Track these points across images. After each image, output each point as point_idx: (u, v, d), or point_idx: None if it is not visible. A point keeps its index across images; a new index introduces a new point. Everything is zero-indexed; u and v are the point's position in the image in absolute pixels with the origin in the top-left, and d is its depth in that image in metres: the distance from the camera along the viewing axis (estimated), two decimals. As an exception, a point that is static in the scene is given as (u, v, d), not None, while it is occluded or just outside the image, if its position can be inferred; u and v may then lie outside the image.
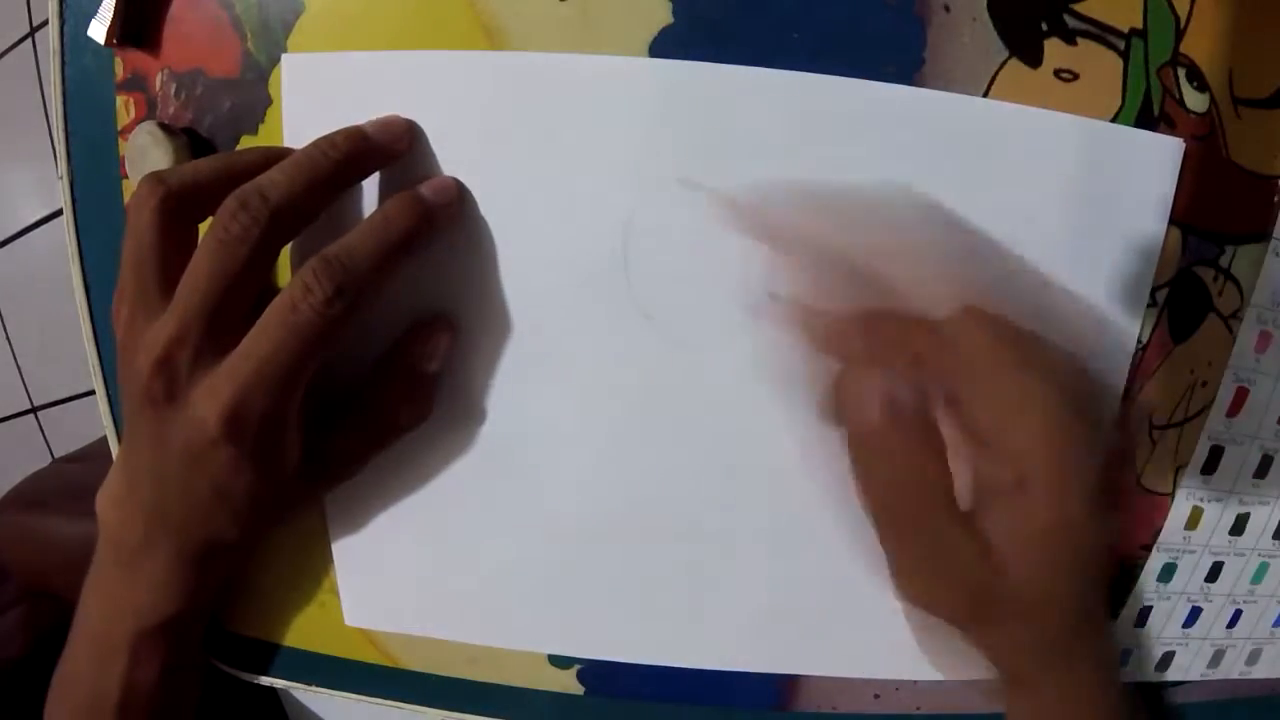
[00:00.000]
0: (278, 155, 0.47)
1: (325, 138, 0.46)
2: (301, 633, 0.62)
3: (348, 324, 0.44)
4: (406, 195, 0.46)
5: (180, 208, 0.44)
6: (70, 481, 1.00)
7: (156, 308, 0.43)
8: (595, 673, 0.60)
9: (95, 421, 0.59)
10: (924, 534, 0.42)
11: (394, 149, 0.48)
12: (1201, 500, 0.56)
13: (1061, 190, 0.49)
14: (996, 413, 0.40)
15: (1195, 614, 0.59)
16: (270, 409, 0.43)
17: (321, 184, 0.45)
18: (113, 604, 0.51)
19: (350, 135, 0.46)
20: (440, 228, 0.48)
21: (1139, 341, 0.52)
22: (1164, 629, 0.59)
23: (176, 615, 0.50)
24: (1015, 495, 0.40)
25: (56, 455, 1.21)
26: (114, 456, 0.51)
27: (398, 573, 0.59)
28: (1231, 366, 0.53)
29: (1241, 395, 0.54)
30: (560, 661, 0.60)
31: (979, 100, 0.48)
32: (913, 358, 0.42)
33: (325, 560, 0.59)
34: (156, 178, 0.44)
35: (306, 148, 0.46)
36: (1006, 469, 0.40)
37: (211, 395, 0.42)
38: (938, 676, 0.58)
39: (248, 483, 0.45)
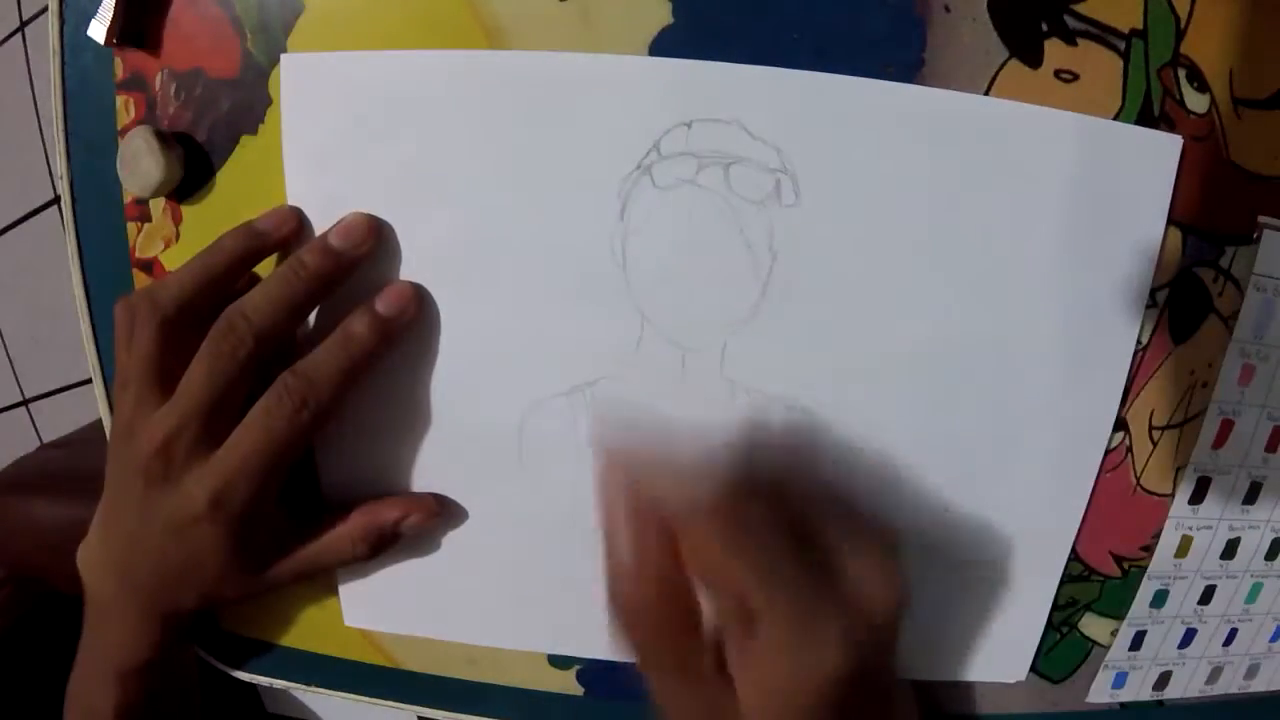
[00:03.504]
0: (245, 243, 0.52)
1: (295, 257, 0.51)
2: (301, 633, 0.62)
3: (321, 427, 0.51)
4: (366, 313, 0.51)
5: (175, 328, 0.50)
6: (52, 466, 1.01)
7: (158, 398, 0.50)
8: (595, 673, 0.60)
9: (85, 413, 0.60)
10: (675, 680, 0.43)
11: (358, 253, 0.51)
12: (1191, 529, 0.56)
13: (1061, 187, 0.49)
14: (722, 556, 0.40)
15: (1190, 635, 0.59)
16: (251, 495, 0.50)
17: (297, 304, 0.50)
18: (95, 645, 0.57)
19: (316, 250, 0.51)
20: (399, 340, 0.52)
21: (1139, 342, 0.52)
22: (1159, 651, 0.59)
23: (148, 662, 0.56)
24: (746, 640, 0.40)
25: (46, 445, 1.22)
26: (106, 438, 0.53)
27: (397, 573, 0.59)
28: (1216, 400, 0.54)
29: (1226, 427, 0.54)
30: (560, 662, 0.60)
31: (977, 97, 0.49)
32: (656, 492, 0.43)
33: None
34: (151, 301, 0.50)
35: (280, 269, 0.51)
36: (734, 614, 0.40)
37: (202, 480, 0.49)
38: (937, 676, 0.58)
39: (218, 558, 0.51)
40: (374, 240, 0.52)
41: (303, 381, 0.49)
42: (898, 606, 0.42)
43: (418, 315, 0.52)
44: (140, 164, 0.51)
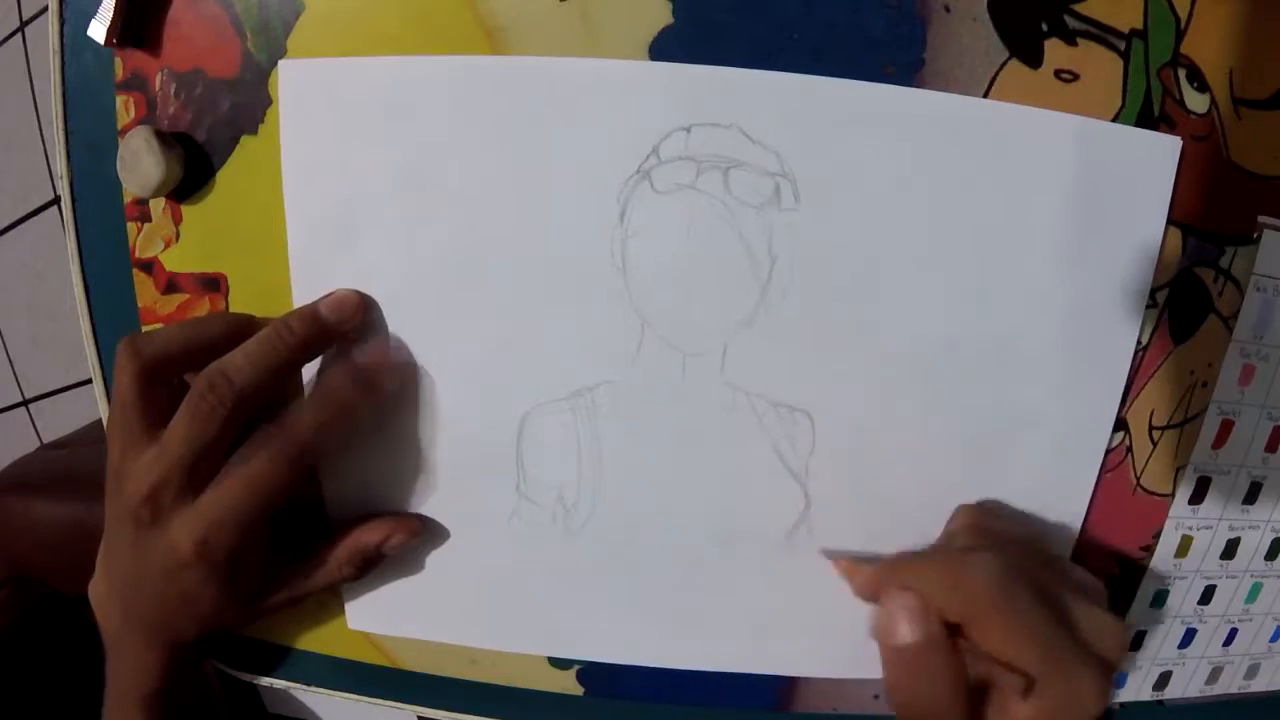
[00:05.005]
0: (237, 325, 0.53)
1: (282, 321, 0.52)
2: (302, 633, 0.62)
3: (304, 477, 0.53)
4: (350, 370, 0.53)
5: (152, 376, 0.51)
6: (52, 466, 1.01)
7: (143, 444, 0.51)
8: (595, 674, 0.60)
9: (85, 413, 0.60)
10: None
11: (345, 327, 0.53)
12: (1191, 529, 0.56)
13: (1060, 189, 0.49)
14: (1005, 638, 0.45)
15: (1190, 635, 0.59)
16: (236, 541, 0.51)
17: (280, 368, 0.52)
18: (114, 675, 0.59)
19: (304, 318, 0.52)
20: (383, 397, 0.54)
21: (1139, 342, 0.52)
22: (1159, 651, 0.59)
23: (163, 687, 0.58)
24: (1023, 704, 0.45)
25: (46, 445, 1.22)
26: (106, 438, 0.54)
27: (400, 577, 0.59)
28: (1215, 400, 0.54)
29: (1226, 427, 0.54)
30: (560, 663, 0.60)
31: (977, 100, 0.49)
32: (935, 591, 0.47)
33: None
34: (132, 348, 0.51)
35: (266, 331, 0.52)
36: (1015, 682, 0.45)
37: (188, 527, 0.51)
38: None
39: (210, 595, 0.53)
40: (361, 317, 0.53)
41: (286, 437, 0.51)
42: (1123, 655, 0.47)
43: (401, 377, 0.54)
44: (140, 164, 0.51)
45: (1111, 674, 0.46)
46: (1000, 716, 0.46)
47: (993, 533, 0.52)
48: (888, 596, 0.47)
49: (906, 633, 0.46)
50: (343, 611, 0.61)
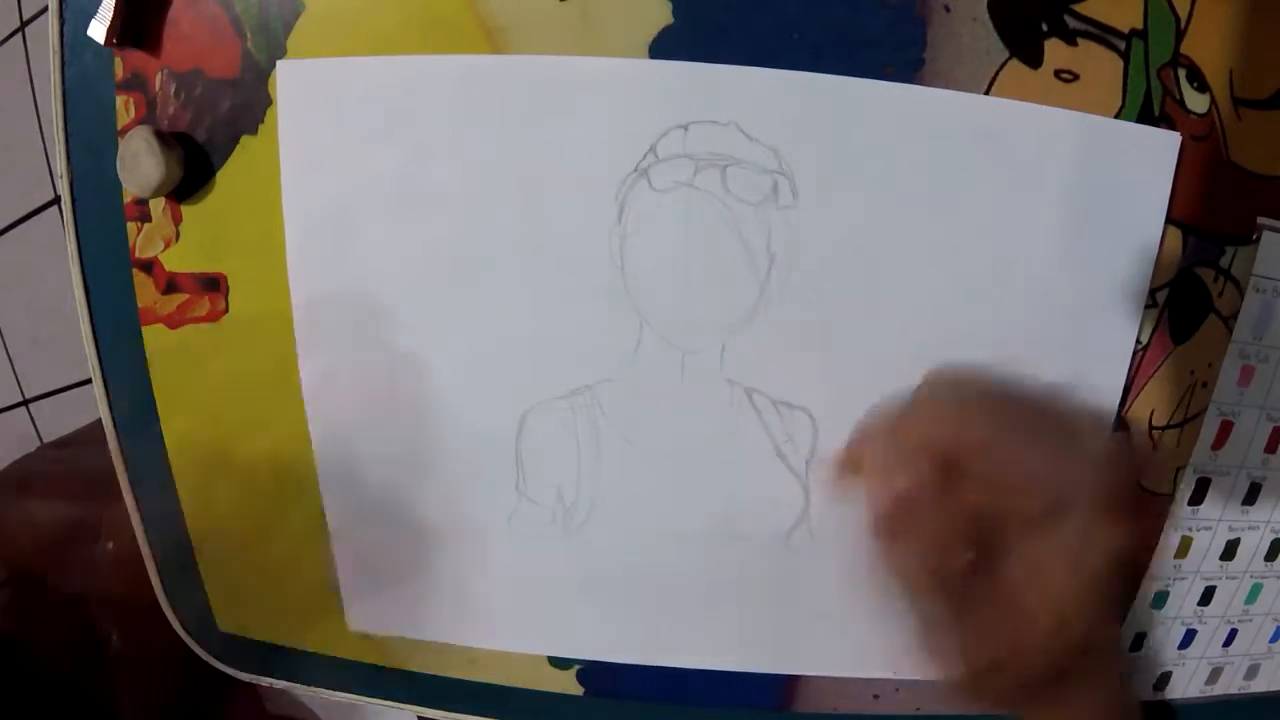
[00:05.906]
0: None
1: None
2: (301, 633, 0.62)
3: None
4: None
5: None
6: (53, 466, 1.01)
7: None
8: (595, 673, 0.60)
9: (85, 413, 0.60)
10: (951, 597, 0.44)
11: None
12: (1190, 530, 0.56)
13: (1059, 185, 0.49)
14: (1004, 467, 0.43)
15: (1190, 636, 0.59)
16: None
17: None
18: None
19: None
20: None
21: (1139, 342, 0.52)
22: (1160, 651, 0.59)
23: None
24: (1043, 527, 0.42)
25: (47, 445, 1.22)
26: (106, 438, 0.52)
27: (399, 577, 0.59)
28: (1215, 401, 0.54)
29: (1226, 428, 0.54)
30: (560, 663, 0.60)
31: (973, 96, 0.48)
32: (920, 441, 0.44)
33: (326, 563, 0.59)
34: None
35: None
36: (1035, 513, 0.42)
37: None
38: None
39: None
40: None
41: None
42: (1138, 468, 0.46)
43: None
44: (140, 164, 0.51)
45: (1126, 499, 0.43)
46: (1017, 565, 0.44)
47: (967, 384, 0.49)
48: (867, 461, 0.45)
49: (898, 480, 0.44)
50: (343, 612, 0.60)
